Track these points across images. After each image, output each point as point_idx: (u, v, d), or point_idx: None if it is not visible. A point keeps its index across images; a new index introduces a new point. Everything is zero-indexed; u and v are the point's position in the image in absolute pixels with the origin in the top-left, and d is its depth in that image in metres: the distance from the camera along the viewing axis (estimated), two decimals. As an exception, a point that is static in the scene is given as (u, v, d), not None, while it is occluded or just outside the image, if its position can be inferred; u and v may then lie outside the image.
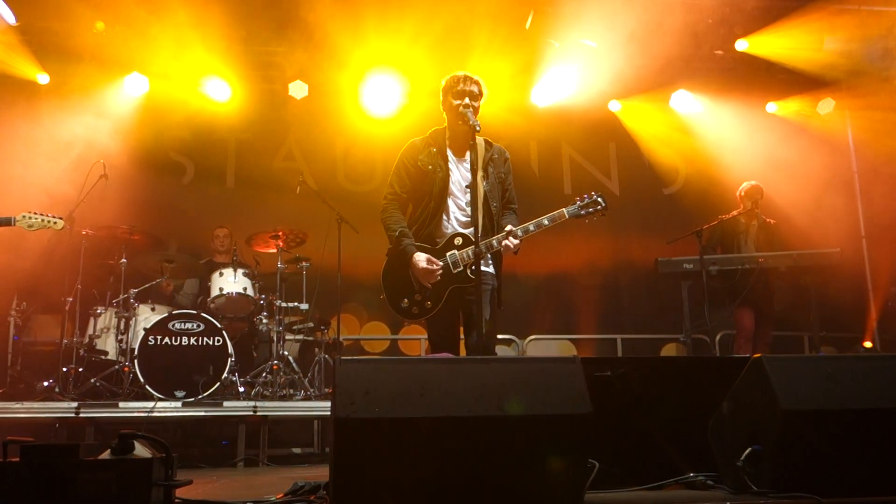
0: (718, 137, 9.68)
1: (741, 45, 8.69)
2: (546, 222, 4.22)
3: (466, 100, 4.19)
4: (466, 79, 4.25)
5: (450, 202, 4.25)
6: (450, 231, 4.23)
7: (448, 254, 4.15)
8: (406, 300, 4.15)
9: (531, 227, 4.19)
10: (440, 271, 4.09)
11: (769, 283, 7.29)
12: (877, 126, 8.79)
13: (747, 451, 2.89)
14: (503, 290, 4.38)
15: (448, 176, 4.25)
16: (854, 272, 7.93)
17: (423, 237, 4.24)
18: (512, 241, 4.13)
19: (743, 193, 7.50)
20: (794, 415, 2.79)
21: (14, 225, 5.58)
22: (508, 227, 4.15)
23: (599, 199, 4.37)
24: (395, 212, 4.29)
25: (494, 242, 4.13)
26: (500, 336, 7.59)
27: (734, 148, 9.54)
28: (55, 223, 5.80)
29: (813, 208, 9.47)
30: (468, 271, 4.08)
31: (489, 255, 4.25)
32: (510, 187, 4.45)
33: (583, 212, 4.34)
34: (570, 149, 9.96)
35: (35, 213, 5.69)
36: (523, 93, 9.33)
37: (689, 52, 9.34)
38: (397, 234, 4.18)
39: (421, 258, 4.08)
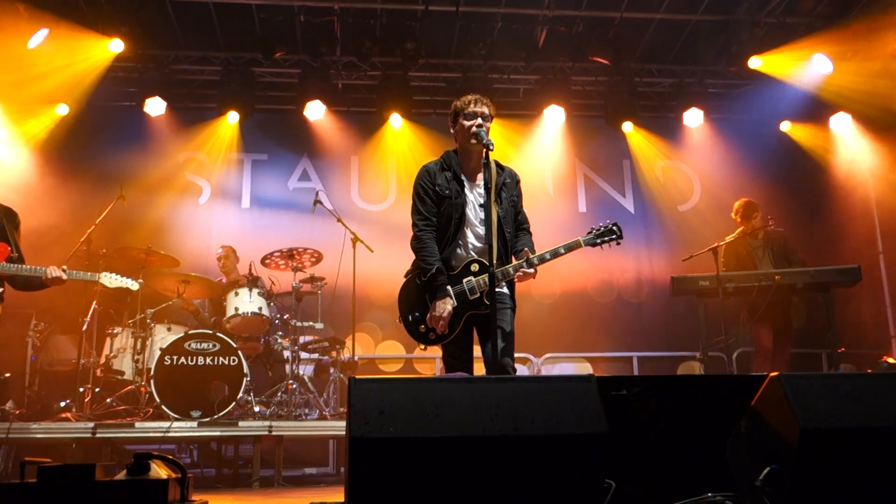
0: (733, 154, 9.68)
1: (754, 62, 8.69)
2: (562, 251, 4.24)
3: (479, 120, 4.20)
4: (478, 101, 4.26)
5: (466, 228, 4.25)
6: (465, 257, 4.22)
7: (465, 280, 4.14)
8: (423, 326, 4.13)
9: (547, 256, 4.20)
10: (445, 330, 4.08)
11: (787, 300, 7.24)
12: (891, 140, 8.74)
13: (766, 470, 2.85)
14: (517, 309, 4.37)
15: (465, 202, 4.24)
16: (872, 288, 7.88)
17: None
18: (528, 272, 4.14)
19: (736, 213, 7.49)
20: (813, 433, 2.75)
21: (98, 282, 5.98)
22: (526, 258, 4.13)
23: (615, 228, 4.41)
24: (431, 242, 4.19)
25: (511, 270, 4.13)
26: (515, 354, 7.58)
27: (749, 164, 9.54)
28: (132, 285, 6.19)
29: (830, 224, 9.43)
30: (485, 298, 4.07)
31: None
32: (522, 209, 4.45)
33: (598, 240, 4.39)
34: (584, 167, 9.97)
35: (116, 275, 6.10)
36: (537, 110, 9.37)
37: (702, 70, 9.38)
38: (434, 269, 4.10)
39: (446, 308, 4.05)
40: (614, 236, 4.40)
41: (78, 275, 5.71)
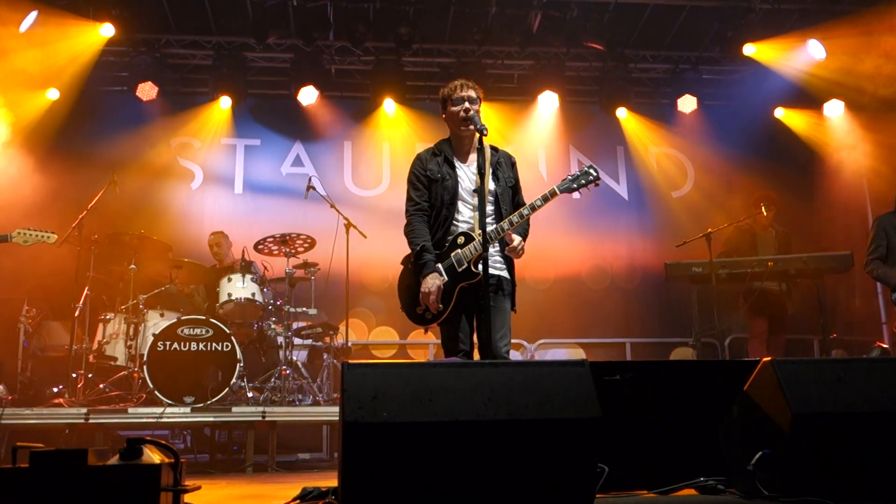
0: (727, 140, 9.68)
1: (749, 49, 8.67)
2: (539, 203, 4.17)
3: (466, 104, 4.21)
4: (463, 85, 4.28)
5: (460, 206, 4.26)
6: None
7: (452, 254, 4.15)
8: (419, 307, 4.14)
9: (525, 212, 4.16)
10: (438, 305, 4.07)
11: (783, 287, 7.25)
12: (884, 127, 8.76)
13: (758, 455, 2.87)
14: (517, 291, 4.36)
15: (457, 183, 4.27)
16: (864, 275, 7.90)
17: (434, 243, 4.23)
18: (516, 239, 4.12)
19: (753, 201, 7.49)
20: (805, 418, 2.77)
21: (10, 241, 5.84)
22: (506, 218, 4.13)
23: (590, 171, 4.33)
24: (420, 225, 4.24)
25: (493, 235, 4.11)
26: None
27: (743, 150, 9.54)
28: (48, 237, 6.04)
29: (823, 211, 9.45)
30: (472, 267, 4.07)
31: (502, 258, 4.24)
32: (520, 192, 4.45)
33: (574, 185, 4.30)
34: (578, 153, 9.96)
35: (30, 229, 5.92)
36: (532, 95, 9.34)
37: (697, 56, 9.37)
38: (419, 248, 4.15)
39: (434, 284, 4.05)
40: (591, 178, 4.30)
41: None
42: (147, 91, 8.65)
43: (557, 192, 4.24)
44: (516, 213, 4.15)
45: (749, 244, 7.36)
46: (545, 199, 4.18)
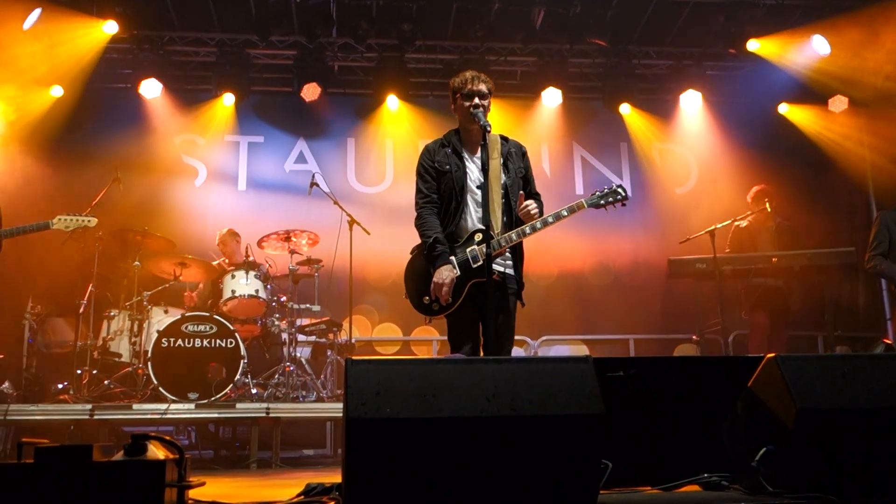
0: (731, 136, 9.66)
1: (752, 45, 8.65)
2: (565, 213, 4.17)
3: (476, 100, 4.17)
4: (474, 78, 4.22)
5: (469, 199, 4.23)
6: (469, 228, 4.21)
7: (468, 249, 4.14)
8: (427, 297, 4.13)
9: (550, 219, 4.15)
10: (448, 298, 4.06)
11: (785, 283, 7.24)
12: (888, 123, 8.75)
13: (762, 451, 2.87)
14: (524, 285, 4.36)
15: (466, 175, 4.24)
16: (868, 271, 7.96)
17: (446, 236, 4.21)
18: (532, 209, 4.13)
19: (751, 198, 7.48)
20: (810, 414, 2.76)
21: (52, 228, 5.86)
22: (529, 223, 4.12)
23: (619, 189, 4.33)
24: (431, 217, 4.22)
25: (514, 237, 4.11)
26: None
27: (747, 147, 9.52)
28: (89, 221, 6.11)
29: (827, 207, 9.43)
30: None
31: (509, 254, 4.23)
32: (532, 180, 4.43)
33: (602, 202, 4.30)
34: (581, 149, 9.95)
35: (70, 215, 5.96)
36: (535, 92, 9.33)
37: (701, 52, 9.34)
38: (432, 239, 4.12)
39: (448, 276, 4.04)
40: (619, 197, 4.32)
41: (26, 228, 5.65)
42: (150, 88, 8.66)
43: (585, 205, 4.26)
44: (540, 220, 4.14)
45: (751, 241, 7.35)
46: (571, 210, 4.19)
